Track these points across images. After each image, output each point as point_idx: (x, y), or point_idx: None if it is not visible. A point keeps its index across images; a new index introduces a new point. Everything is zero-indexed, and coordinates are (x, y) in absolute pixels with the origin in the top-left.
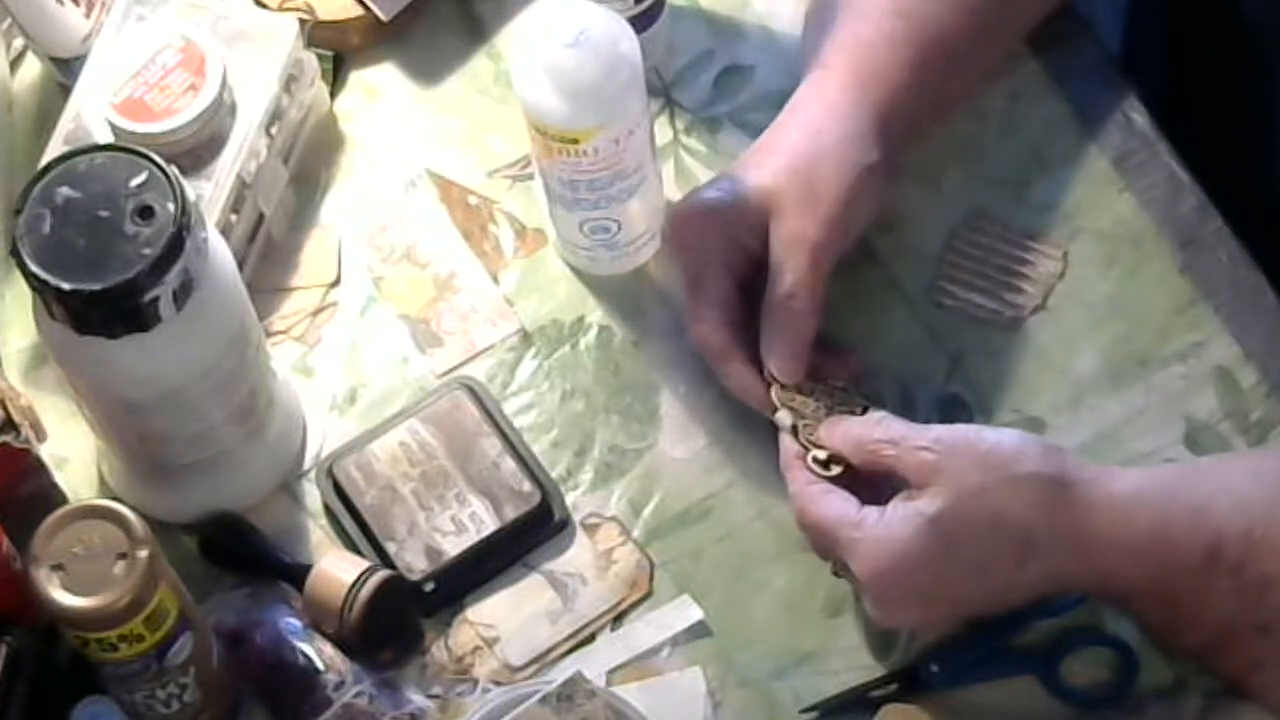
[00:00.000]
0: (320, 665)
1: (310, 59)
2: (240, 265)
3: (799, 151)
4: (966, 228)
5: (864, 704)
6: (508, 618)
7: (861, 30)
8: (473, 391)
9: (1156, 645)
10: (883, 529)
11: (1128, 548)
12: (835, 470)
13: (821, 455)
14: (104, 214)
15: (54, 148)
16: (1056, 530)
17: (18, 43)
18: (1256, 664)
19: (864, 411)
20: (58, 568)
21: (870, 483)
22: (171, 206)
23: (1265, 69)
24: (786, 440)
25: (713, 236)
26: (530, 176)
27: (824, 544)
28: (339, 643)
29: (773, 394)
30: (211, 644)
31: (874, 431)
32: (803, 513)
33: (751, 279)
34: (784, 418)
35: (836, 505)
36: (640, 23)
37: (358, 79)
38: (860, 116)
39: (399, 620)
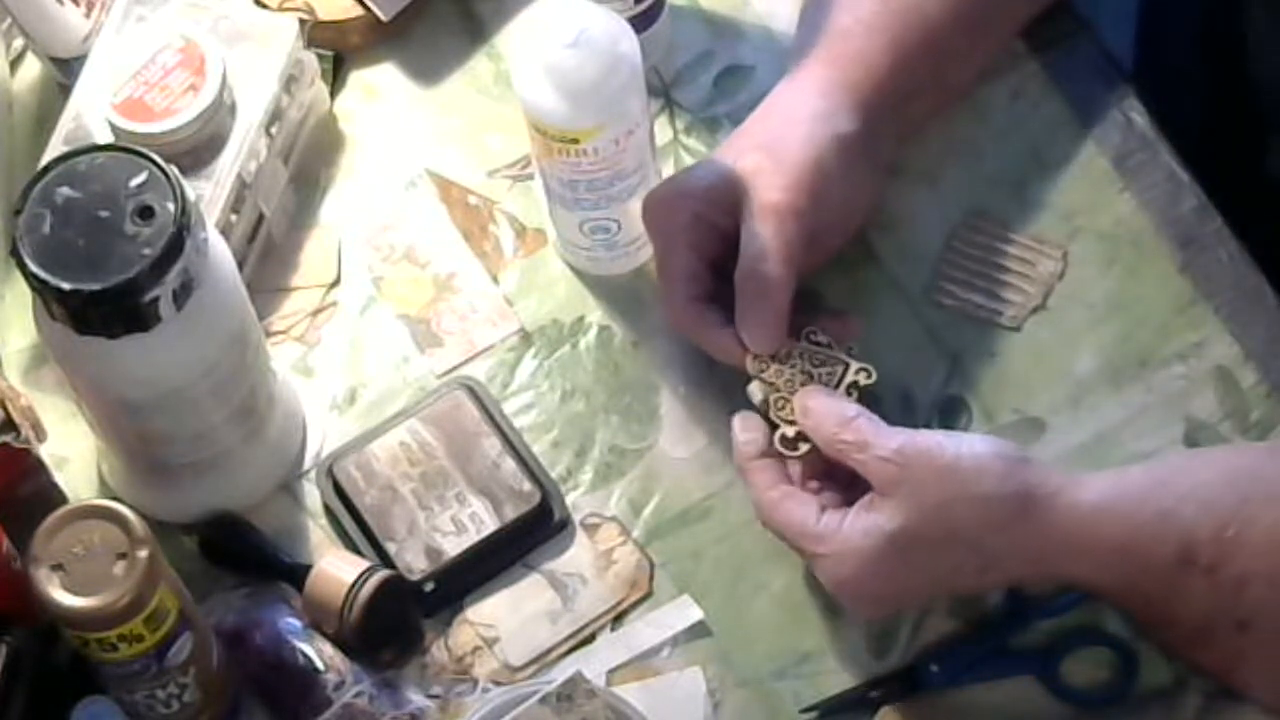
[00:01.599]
0: (320, 665)
1: (310, 59)
2: (240, 265)
3: (769, 130)
4: (966, 227)
5: (864, 704)
6: (508, 618)
7: (840, 19)
8: (473, 391)
9: (1149, 640)
10: (842, 542)
11: (1093, 557)
12: (804, 448)
13: (790, 433)
14: (104, 214)
15: (54, 148)
16: (1016, 546)
17: (18, 43)
18: (1239, 658)
19: (846, 370)
20: (58, 568)
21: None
22: (171, 206)
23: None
24: (740, 437)
25: (680, 216)
26: (530, 176)
27: (791, 548)
28: (339, 643)
29: (748, 364)
30: (211, 644)
31: (842, 432)
32: (764, 519)
33: (729, 258)
34: (755, 391)
35: (797, 514)
36: (640, 23)
37: (358, 79)
38: (832, 94)
39: (399, 620)
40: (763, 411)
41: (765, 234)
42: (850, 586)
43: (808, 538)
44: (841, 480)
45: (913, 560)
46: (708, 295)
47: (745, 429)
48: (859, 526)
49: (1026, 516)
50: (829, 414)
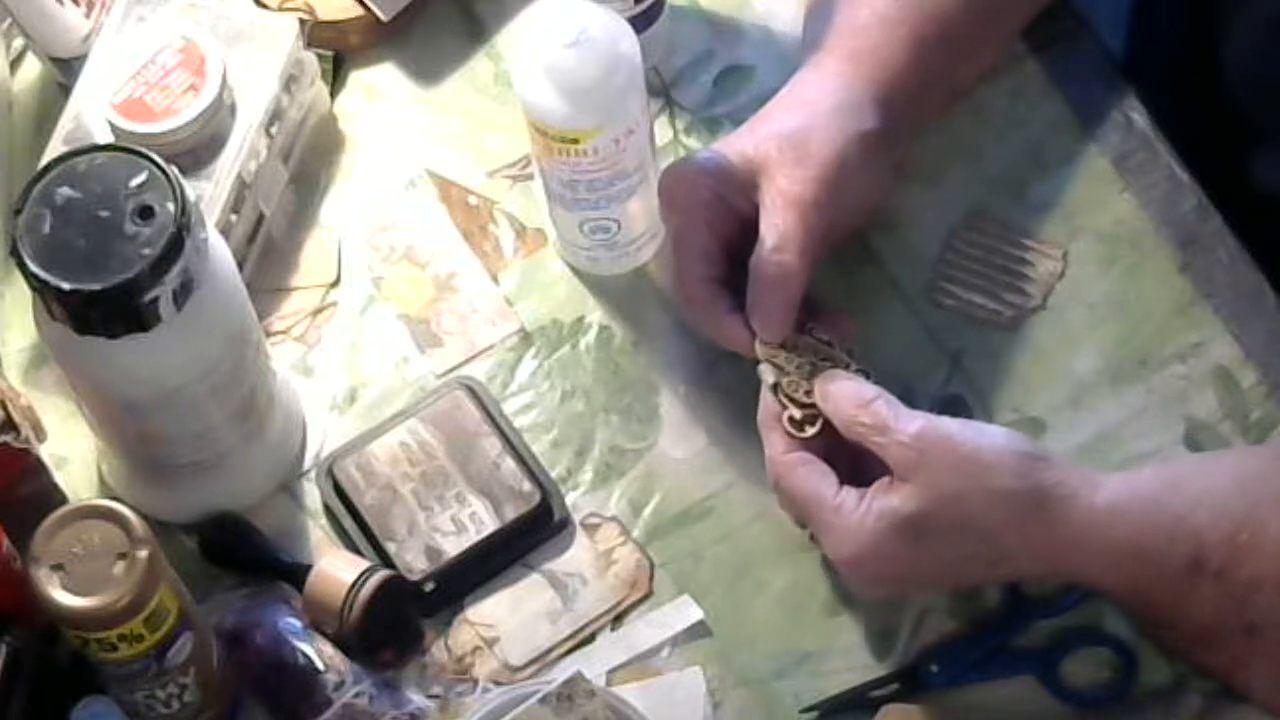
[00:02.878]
0: (320, 665)
1: (310, 59)
2: (240, 265)
3: (792, 119)
4: (966, 228)
5: (864, 704)
6: (508, 618)
7: (857, 13)
8: (473, 391)
9: (1153, 640)
10: (856, 520)
11: (1105, 559)
12: (810, 431)
13: (797, 415)
14: (104, 214)
15: (54, 148)
16: (1028, 543)
17: (18, 43)
18: (1244, 661)
19: (847, 368)
20: (58, 568)
21: (845, 445)
22: (171, 206)
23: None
24: (767, 398)
25: (698, 195)
26: (530, 176)
27: (799, 515)
28: (339, 643)
29: (757, 348)
30: (211, 644)
31: (861, 415)
32: (778, 481)
33: (741, 241)
34: (766, 372)
35: (814, 482)
36: (640, 23)
37: (358, 79)
38: (854, 88)
39: (399, 620)
40: (773, 392)
41: (787, 224)
42: (858, 564)
43: (823, 507)
44: (844, 468)
45: (924, 546)
46: (719, 277)
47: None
48: (874, 507)
49: (1040, 514)
50: (848, 396)
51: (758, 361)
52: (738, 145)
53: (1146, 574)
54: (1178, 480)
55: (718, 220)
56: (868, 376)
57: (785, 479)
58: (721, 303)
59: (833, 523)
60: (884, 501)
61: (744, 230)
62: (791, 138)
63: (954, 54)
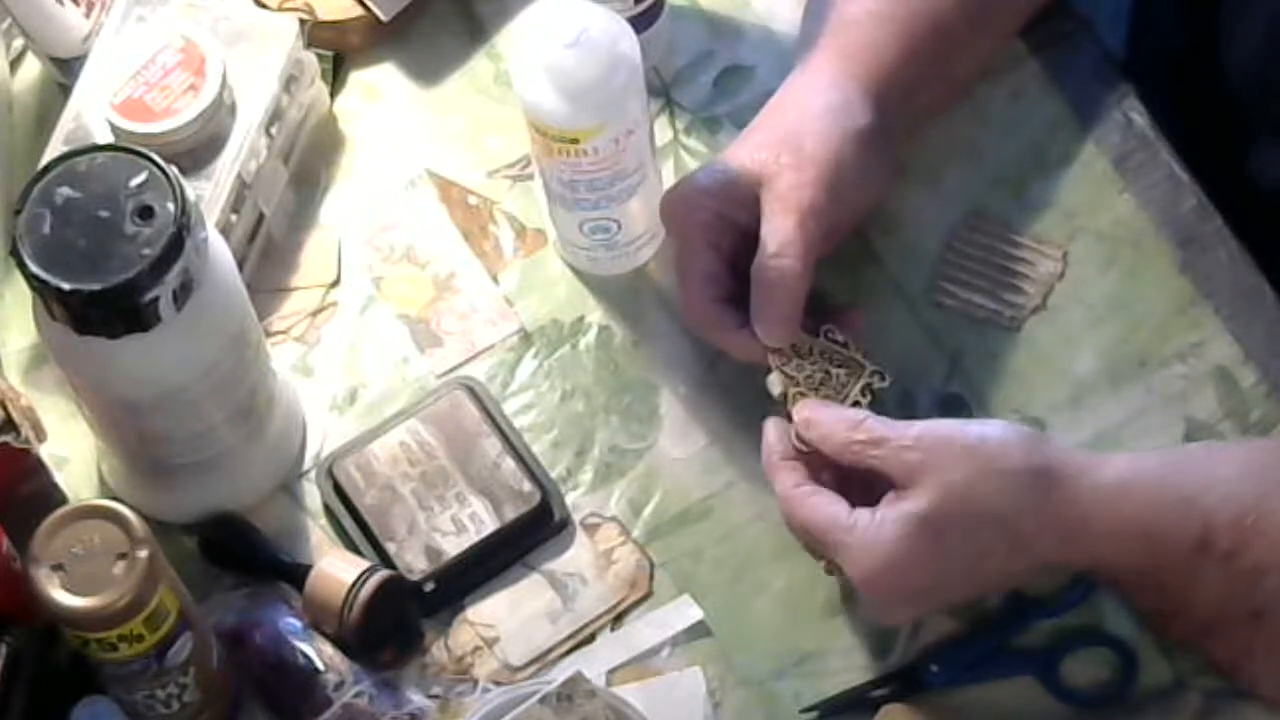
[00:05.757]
0: (320, 665)
1: (310, 59)
2: (240, 265)
3: (785, 124)
4: (966, 228)
5: (864, 704)
6: (508, 618)
7: (848, 9)
8: (473, 391)
9: (1153, 635)
10: (873, 532)
11: (1116, 537)
12: None
13: None
14: (104, 214)
15: (54, 148)
16: (1044, 523)
17: (18, 43)
18: (1249, 650)
19: (862, 371)
20: (58, 568)
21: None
22: (171, 206)
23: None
24: (771, 438)
25: (698, 215)
26: (530, 176)
27: (815, 545)
28: (339, 643)
29: (769, 357)
30: (211, 644)
31: (855, 434)
32: (791, 516)
33: (747, 255)
34: (774, 383)
35: (825, 508)
36: (640, 23)
37: (358, 79)
38: (845, 86)
39: (399, 620)
40: (780, 404)
41: (785, 229)
42: (881, 579)
43: (838, 529)
44: (858, 494)
45: (944, 545)
46: (727, 295)
47: (776, 431)
48: (889, 516)
49: (1051, 493)
50: (837, 421)
51: (769, 370)
52: (735, 158)
53: (1154, 554)
54: (1185, 463)
55: (720, 239)
56: (884, 378)
57: (797, 512)
58: (730, 320)
59: (849, 542)
60: (897, 509)
61: (749, 244)
62: (786, 143)
63: (947, 49)
